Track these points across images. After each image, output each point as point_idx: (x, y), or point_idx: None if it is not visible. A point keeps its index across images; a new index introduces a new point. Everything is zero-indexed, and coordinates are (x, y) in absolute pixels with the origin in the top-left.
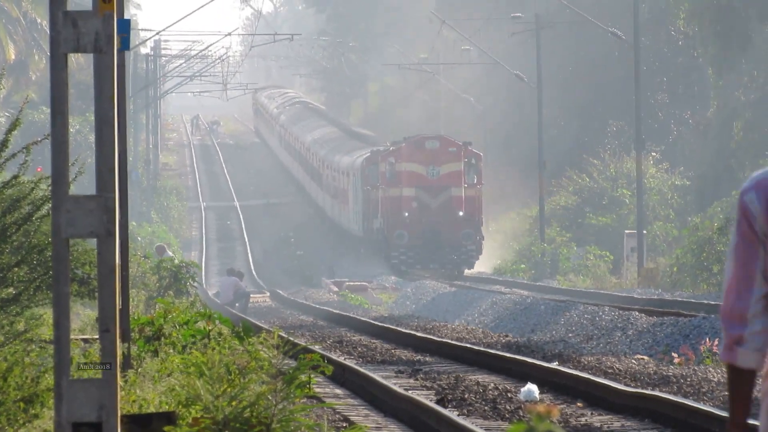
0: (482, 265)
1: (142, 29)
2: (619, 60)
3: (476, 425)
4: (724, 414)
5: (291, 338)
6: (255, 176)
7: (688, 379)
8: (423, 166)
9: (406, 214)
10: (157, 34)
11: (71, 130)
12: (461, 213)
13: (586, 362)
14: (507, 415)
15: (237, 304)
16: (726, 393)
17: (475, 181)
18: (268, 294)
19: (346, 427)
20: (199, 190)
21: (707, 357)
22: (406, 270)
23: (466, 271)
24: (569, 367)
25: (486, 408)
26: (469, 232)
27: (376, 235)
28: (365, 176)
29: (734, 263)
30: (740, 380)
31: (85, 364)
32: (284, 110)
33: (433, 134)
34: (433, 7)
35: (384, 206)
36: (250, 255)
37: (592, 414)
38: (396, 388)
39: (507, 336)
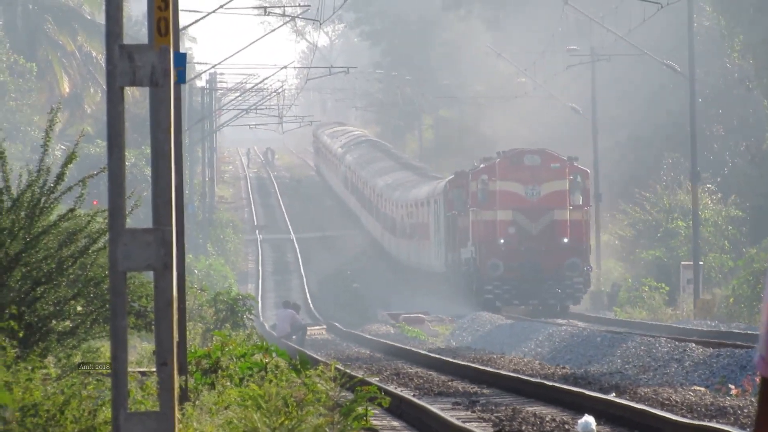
0: None
1: (197, 62)
2: (674, 92)
3: None
4: None
5: (348, 370)
6: (311, 208)
7: (745, 410)
8: (521, 184)
9: (502, 240)
10: (213, 67)
11: (127, 163)
12: (566, 239)
13: (642, 394)
14: None
15: (294, 337)
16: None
17: (581, 203)
18: (324, 327)
19: None
20: (255, 221)
21: None
22: (501, 306)
23: (572, 308)
24: (626, 399)
25: None
26: (575, 262)
27: (464, 267)
28: (449, 201)
29: None
30: None
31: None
32: (350, 150)
33: (533, 148)
34: (488, 40)
35: (475, 232)
36: (306, 287)
37: None
38: (453, 420)
39: (564, 368)
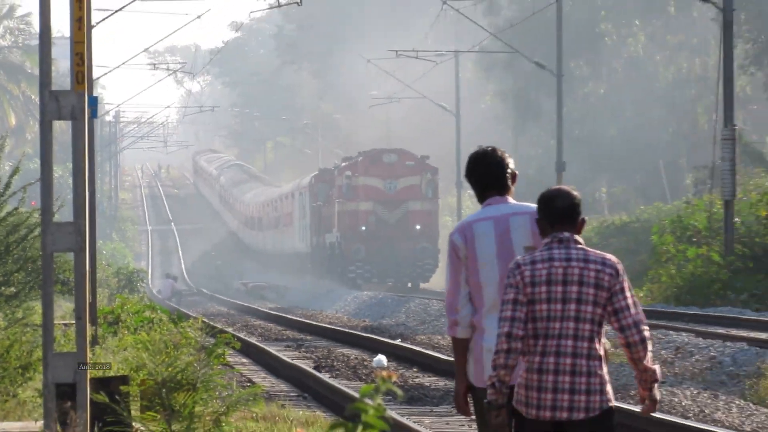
0: None
1: (106, 103)
2: (446, 127)
3: (342, 385)
4: None
5: (211, 323)
6: (188, 206)
7: None
8: (381, 180)
9: (364, 228)
10: (117, 106)
11: (55, 175)
12: (418, 227)
13: (420, 339)
14: (363, 378)
15: (173, 299)
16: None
17: (432, 195)
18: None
19: (249, 385)
20: (146, 217)
21: None
22: (363, 284)
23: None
24: (408, 343)
25: (349, 372)
26: (426, 247)
27: (329, 250)
28: (314, 194)
29: (450, 276)
30: (461, 347)
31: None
32: (222, 172)
33: (391, 148)
34: (315, 86)
35: (341, 220)
36: (183, 264)
37: (423, 376)
38: (285, 358)
39: (364, 321)
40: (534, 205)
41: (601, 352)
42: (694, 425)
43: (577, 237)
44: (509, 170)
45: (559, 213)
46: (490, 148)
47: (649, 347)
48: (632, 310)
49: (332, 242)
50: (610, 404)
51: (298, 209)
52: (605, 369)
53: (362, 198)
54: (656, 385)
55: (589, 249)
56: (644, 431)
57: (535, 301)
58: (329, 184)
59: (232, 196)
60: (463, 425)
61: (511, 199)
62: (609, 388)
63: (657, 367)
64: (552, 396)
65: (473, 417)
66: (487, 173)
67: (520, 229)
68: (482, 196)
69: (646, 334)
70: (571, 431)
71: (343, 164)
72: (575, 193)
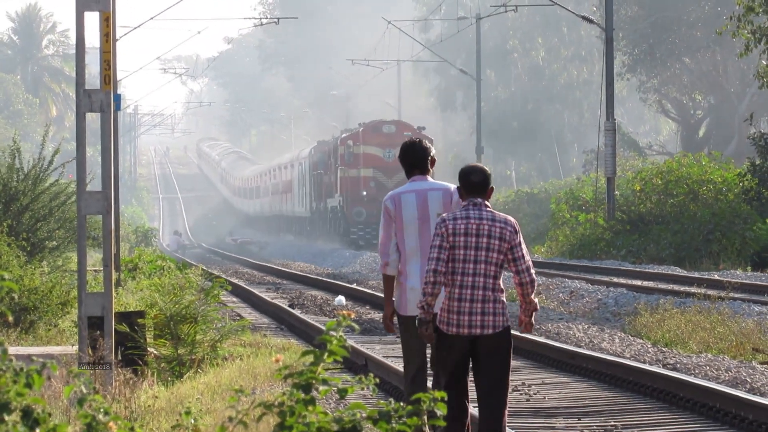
0: None
1: (128, 99)
2: (392, 115)
3: (311, 319)
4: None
5: (208, 270)
6: (190, 180)
7: None
8: (380, 148)
9: (365, 192)
10: (136, 102)
11: (88, 154)
12: None
13: (371, 284)
14: (327, 314)
15: (179, 251)
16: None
17: None
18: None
19: (238, 319)
20: (158, 187)
21: None
22: (364, 245)
23: None
24: (363, 287)
25: (316, 309)
26: None
27: (331, 214)
28: (314, 163)
29: (383, 231)
30: (389, 281)
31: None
32: (223, 157)
33: (390, 119)
34: (288, 87)
35: (343, 186)
36: (186, 224)
37: (374, 312)
38: (266, 297)
39: (327, 269)
40: (445, 184)
41: (502, 287)
42: (585, 352)
43: (487, 202)
44: (430, 156)
45: (474, 184)
46: (417, 140)
47: (535, 286)
48: (526, 258)
49: (334, 206)
50: (509, 323)
51: (298, 177)
52: (504, 299)
53: (363, 165)
54: (534, 314)
55: (495, 211)
56: (547, 357)
57: (455, 247)
58: (327, 154)
59: (231, 175)
60: None
61: (430, 178)
62: (507, 312)
63: (536, 301)
64: (468, 318)
65: (398, 335)
66: (414, 158)
67: (436, 201)
68: (409, 173)
69: (534, 276)
70: (482, 343)
71: (344, 134)
72: (486, 168)
